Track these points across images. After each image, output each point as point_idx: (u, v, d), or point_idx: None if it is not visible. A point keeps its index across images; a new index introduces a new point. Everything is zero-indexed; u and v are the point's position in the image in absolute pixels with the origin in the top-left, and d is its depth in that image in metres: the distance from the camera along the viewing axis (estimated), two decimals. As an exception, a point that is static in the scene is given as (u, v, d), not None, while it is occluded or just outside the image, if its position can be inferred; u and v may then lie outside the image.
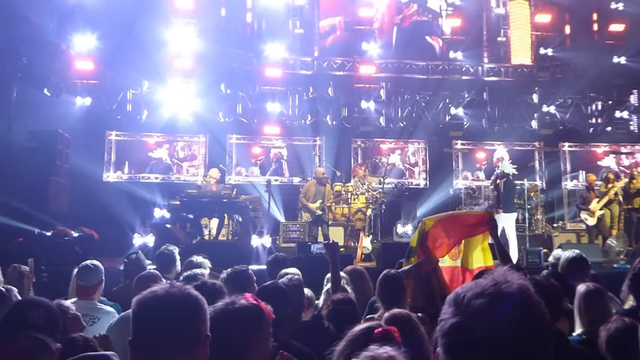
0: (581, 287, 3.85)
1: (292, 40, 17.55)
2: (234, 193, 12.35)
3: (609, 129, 17.49)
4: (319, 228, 12.86)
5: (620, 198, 13.02)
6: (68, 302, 3.76)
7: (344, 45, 17.67)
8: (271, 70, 16.25)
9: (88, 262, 4.94)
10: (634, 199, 13.06)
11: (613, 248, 11.62)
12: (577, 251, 5.36)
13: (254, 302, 2.19)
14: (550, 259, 6.17)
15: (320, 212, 12.77)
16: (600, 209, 12.87)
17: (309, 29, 17.88)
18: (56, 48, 12.63)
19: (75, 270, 5.01)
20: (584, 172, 16.52)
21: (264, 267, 7.67)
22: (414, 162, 17.43)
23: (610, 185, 13.03)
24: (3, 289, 3.70)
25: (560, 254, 5.91)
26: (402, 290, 4.29)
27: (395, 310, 3.06)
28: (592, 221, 12.89)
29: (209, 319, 1.87)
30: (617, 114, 17.47)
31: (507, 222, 11.44)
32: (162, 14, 15.10)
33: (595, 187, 13.35)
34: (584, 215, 13.09)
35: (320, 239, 12.44)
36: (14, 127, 12.09)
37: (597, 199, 12.95)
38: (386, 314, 3.06)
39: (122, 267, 5.96)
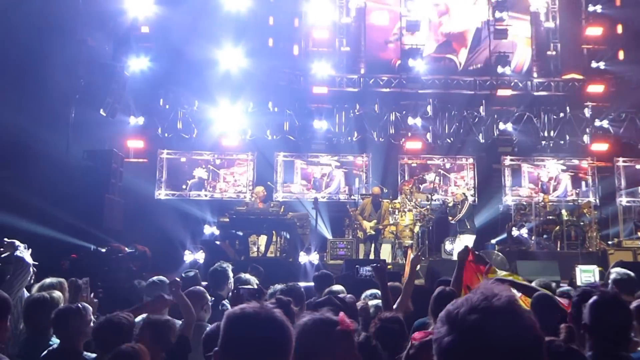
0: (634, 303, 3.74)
1: (339, 58, 17.71)
2: (282, 210, 12.48)
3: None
4: (372, 245, 12.84)
5: None
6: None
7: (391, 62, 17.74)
8: (318, 88, 16.41)
9: (155, 278, 5.04)
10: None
11: (672, 267, 11.18)
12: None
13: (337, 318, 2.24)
14: (614, 276, 5.80)
15: (373, 232, 12.77)
16: None
17: (356, 47, 18.01)
18: (112, 70, 13.09)
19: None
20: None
21: (312, 284, 7.71)
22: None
23: None
24: (80, 306, 3.85)
25: (623, 271, 5.68)
26: None
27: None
28: None
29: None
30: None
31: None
32: (211, 35, 15.47)
33: None
34: None
35: (372, 256, 12.45)
36: (72, 146, 12.54)
37: None
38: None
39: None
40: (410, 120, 16.82)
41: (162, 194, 16.38)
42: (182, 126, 16.47)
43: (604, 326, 2.91)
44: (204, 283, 6.00)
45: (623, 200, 16.64)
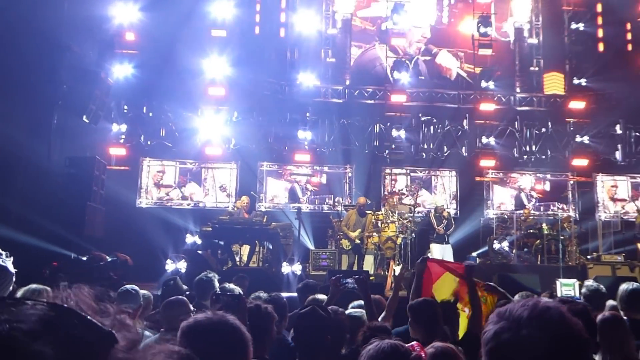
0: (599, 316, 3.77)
1: (324, 69, 17.77)
2: (265, 220, 12.46)
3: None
4: (356, 257, 12.85)
5: None
6: None
7: (375, 74, 17.85)
8: (303, 98, 16.43)
9: (128, 286, 4.99)
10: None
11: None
12: (635, 283, 5.20)
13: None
14: (584, 290, 5.91)
15: (359, 242, 12.78)
16: None
17: (341, 58, 18.09)
18: (95, 76, 13.00)
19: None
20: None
21: (294, 294, 7.68)
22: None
23: None
24: None
25: (594, 286, 5.75)
26: (439, 319, 4.25)
27: (438, 345, 3.01)
28: None
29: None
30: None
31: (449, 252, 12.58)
32: (197, 43, 15.46)
33: None
34: None
35: (356, 267, 12.46)
36: (53, 153, 12.42)
37: None
38: (430, 349, 3.01)
39: (159, 293, 6.03)
40: (395, 132, 16.91)
41: (143, 202, 16.25)
42: (165, 134, 16.37)
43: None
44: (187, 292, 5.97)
45: (602, 215, 16.86)
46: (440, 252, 12.64)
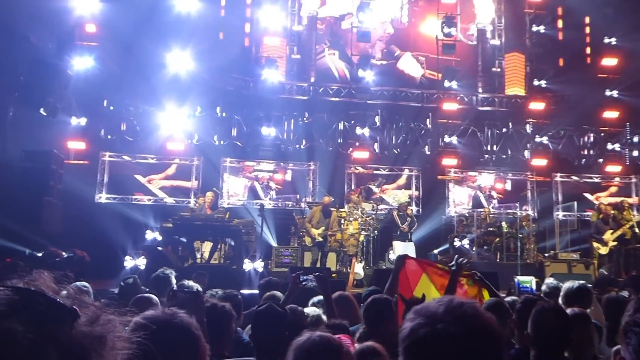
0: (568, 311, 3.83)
1: (289, 65, 17.71)
2: (227, 216, 12.34)
3: (601, 160, 17.64)
4: (319, 254, 12.82)
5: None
6: None
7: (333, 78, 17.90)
8: (268, 94, 16.33)
9: (78, 283, 4.90)
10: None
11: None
12: (582, 282, 5.32)
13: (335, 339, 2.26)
14: (544, 287, 6.07)
15: (321, 239, 12.75)
16: (614, 240, 13.09)
17: (306, 54, 18.05)
18: (54, 68, 12.66)
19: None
20: (576, 202, 16.63)
21: (256, 291, 7.65)
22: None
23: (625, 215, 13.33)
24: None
25: (554, 283, 5.88)
26: (389, 316, 4.23)
27: (365, 345, 3.02)
28: (604, 250, 13.14)
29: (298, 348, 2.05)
30: (609, 146, 17.63)
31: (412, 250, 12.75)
32: (160, 37, 15.20)
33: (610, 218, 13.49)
34: (596, 244, 13.26)
35: (319, 264, 12.44)
36: (9, 146, 12.07)
37: (612, 231, 13.12)
38: (358, 347, 3.01)
39: (117, 291, 5.91)
40: (358, 130, 16.96)
41: (103, 197, 15.93)
42: (126, 128, 16.06)
43: (544, 334, 3.01)
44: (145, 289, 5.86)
45: (559, 214, 17.23)
46: (403, 249, 12.72)
